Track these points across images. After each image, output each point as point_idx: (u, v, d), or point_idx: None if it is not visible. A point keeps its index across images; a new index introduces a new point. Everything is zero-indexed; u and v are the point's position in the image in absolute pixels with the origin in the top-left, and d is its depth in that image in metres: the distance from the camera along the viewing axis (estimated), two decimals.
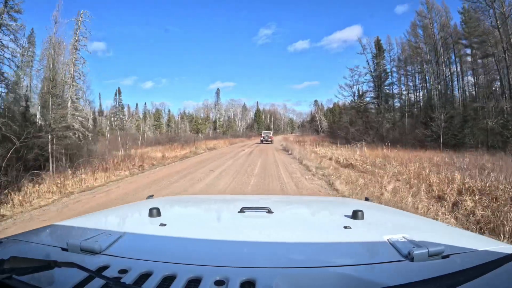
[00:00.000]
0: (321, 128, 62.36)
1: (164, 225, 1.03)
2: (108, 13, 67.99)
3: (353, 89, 40.72)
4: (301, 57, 72.65)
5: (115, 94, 48.96)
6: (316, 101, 73.70)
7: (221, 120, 66.79)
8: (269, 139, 30.91)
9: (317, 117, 62.65)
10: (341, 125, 32.15)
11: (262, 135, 33.16)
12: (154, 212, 1.12)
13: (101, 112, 52.79)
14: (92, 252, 0.79)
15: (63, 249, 0.82)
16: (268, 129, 56.88)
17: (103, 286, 0.64)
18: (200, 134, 62.38)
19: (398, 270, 0.73)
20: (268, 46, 69.14)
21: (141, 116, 56.70)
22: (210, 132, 62.55)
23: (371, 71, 31.12)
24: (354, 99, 38.41)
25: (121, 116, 48.86)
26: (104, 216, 1.31)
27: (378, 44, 30.21)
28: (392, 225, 1.17)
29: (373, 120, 27.43)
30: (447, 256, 0.77)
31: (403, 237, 0.90)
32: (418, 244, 0.80)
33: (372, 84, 31.82)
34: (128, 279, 0.68)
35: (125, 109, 54.98)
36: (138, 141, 29.13)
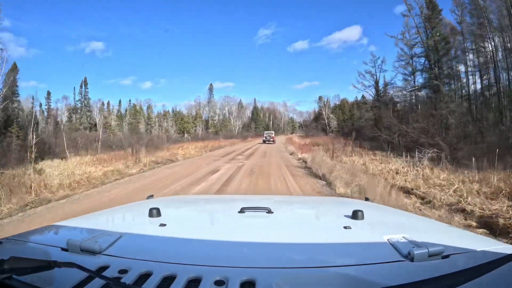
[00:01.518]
0: (329, 127, 50.62)
1: (164, 225, 1.06)
2: (106, 13, 70.48)
3: (375, 77, 28.59)
4: (300, 57, 76.68)
5: (80, 86, 38.10)
6: (320, 97, 66.39)
7: (215, 118, 62.24)
8: (271, 139, 33.84)
9: (324, 114, 51.38)
10: (385, 123, 20.76)
11: (264, 135, 36.54)
12: (154, 212, 1.13)
13: (75, 109, 47.06)
14: (92, 252, 0.81)
15: (63, 249, 0.84)
16: (267, 128, 58.02)
17: (103, 286, 0.65)
18: (186, 135, 50.60)
19: (398, 270, 0.76)
20: (267, 46, 72.88)
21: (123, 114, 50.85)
22: (200, 132, 56.54)
23: (421, 39, 19.99)
24: (378, 89, 32.74)
25: (86, 113, 37.55)
26: (104, 216, 1.31)
27: (431, 3, 19.05)
28: (392, 225, 1.18)
29: (432, 114, 16.19)
30: (447, 256, 0.80)
31: (403, 237, 0.92)
32: (418, 244, 0.82)
33: (422, 61, 20.50)
34: (128, 279, 0.70)
35: (100, 105, 49.77)
36: (98, 143, 25.18)
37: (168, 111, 54.68)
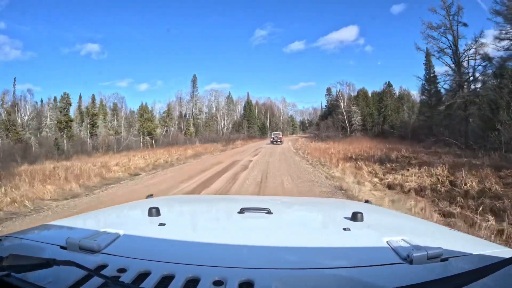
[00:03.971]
0: (351, 125, 32.04)
1: (164, 224, 1.09)
2: (103, 13, 68.46)
3: (453, 33, 22.12)
4: (297, 57, 75.35)
5: None
6: (329, 89, 52.69)
7: (200, 117, 49.45)
8: (279, 140, 36.38)
9: (343, 107, 33.10)
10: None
11: (272, 136, 40.44)
12: (154, 212, 1.16)
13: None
14: (91, 250, 0.86)
15: (61, 247, 0.88)
16: (263, 128, 54.22)
17: (102, 285, 0.69)
18: (145, 138, 31.93)
19: (397, 272, 0.80)
20: (264, 46, 72.99)
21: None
22: (171, 134, 43.17)
23: None
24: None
25: None
26: (103, 215, 1.34)
27: None
28: (391, 228, 1.22)
29: None
30: (446, 259, 0.84)
31: (402, 239, 0.96)
32: (417, 247, 0.87)
33: None
34: (126, 278, 0.74)
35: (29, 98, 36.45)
36: None
37: (119, 106, 38.07)
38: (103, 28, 70.39)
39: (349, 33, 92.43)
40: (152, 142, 39.71)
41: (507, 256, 0.77)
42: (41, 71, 66.71)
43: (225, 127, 51.32)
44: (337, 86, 47.41)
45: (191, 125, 48.83)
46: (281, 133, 43.25)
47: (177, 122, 49.67)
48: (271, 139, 39.13)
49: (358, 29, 68.90)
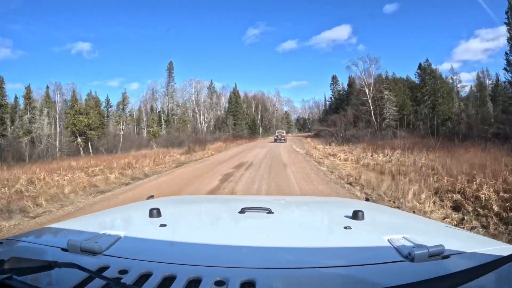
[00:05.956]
0: (382, 119, 15.56)
1: (164, 225, 1.11)
2: (97, 13, 63.01)
3: None
4: (289, 56, 74.14)
5: None
6: (334, 77, 43.50)
7: (175, 112, 38.41)
8: (282, 138, 39.13)
9: (368, 94, 18.00)
10: None
11: (276, 134, 43.62)
12: (154, 213, 1.18)
13: None
14: (92, 252, 0.90)
15: (63, 249, 0.92)
16: (254, 125, 47.58)
17: (103, 286, 0.73)
18: (77, 140, 13.18)
19: (398, 270, 0.83)
20: (256, 45, 68.94)
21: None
22: (122, 134, 33.04)
23: None
24: None
25: None
26: (105, 217, 1.36)
27: None
28: (392, 226, 1.25)
29: None
30: (447, 257, 0.87)
31: (403, 237, 0.99)
32: (418, 245, 0.92)
33: None
34: (128, 279, 0.77)
35: None
36: None
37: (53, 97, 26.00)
38: (93, 27, 72.93)
39: (341, 31, 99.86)
40: (89, 146, 27.66)
41: (508, 253, 0.79)
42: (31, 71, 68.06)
43: (206, 124, 43.02)
44: (358, 64, 36.52)
45: (162, 122, 42.40)
46: (284, 131, 45.62)
47: (145, 119, 39.51)
48: (275, 137, 42.23)
49: (351, 28, 73.89)
